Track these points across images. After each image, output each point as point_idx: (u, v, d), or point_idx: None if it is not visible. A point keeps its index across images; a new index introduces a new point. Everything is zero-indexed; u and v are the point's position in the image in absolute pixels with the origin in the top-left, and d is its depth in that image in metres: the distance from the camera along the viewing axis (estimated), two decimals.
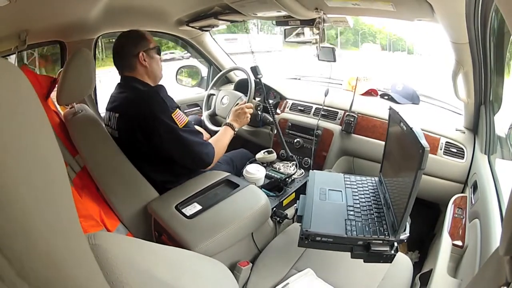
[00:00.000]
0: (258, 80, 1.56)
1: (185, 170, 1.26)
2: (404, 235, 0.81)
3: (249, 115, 1.44)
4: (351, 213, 0.91)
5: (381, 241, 0.81)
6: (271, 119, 1.67)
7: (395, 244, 0.82)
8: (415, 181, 0.71)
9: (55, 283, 0.26)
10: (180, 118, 1.14)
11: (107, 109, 1.28)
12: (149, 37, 1.23)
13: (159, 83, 1.25)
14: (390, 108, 1.00)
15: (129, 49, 1.19)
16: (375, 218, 0.89)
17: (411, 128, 0.78)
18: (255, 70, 1.54)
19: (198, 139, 1.18)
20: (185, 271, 0.62)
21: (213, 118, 1.85)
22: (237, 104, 1.64)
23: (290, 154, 1.55)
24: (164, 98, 1.13)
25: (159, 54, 1.26)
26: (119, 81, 1.26)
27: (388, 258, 0.82)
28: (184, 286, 0.57)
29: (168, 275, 0.54)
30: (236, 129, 1.38)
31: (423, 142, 0.70)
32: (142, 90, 1.17)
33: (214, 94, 1.88)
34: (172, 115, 1.12)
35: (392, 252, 0.81)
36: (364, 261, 0.84)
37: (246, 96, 1.61)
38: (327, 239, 0.84)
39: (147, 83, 1.22)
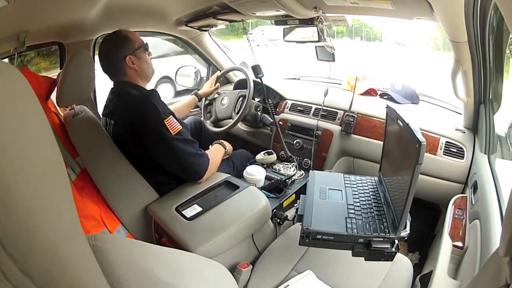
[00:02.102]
0: (259, 79, 1.56)
1: None
2: (405, 232, 0.82)
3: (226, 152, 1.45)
4: (351, 211, 0.92)
5: (381, 239, 0.82)
6: (271, 119, 1.67)
7: (396, 241, 0.82)
8: (413, 176, 0.72)
9: (59, 280, 0.27)
10: (173, 125, 1.10)
11: (102, 114, 1.28)
12: (132, 36, 1.18)
13: (152, 87, 1.22)
14: (387, 106, 1.01)
15: (114, 55, 1.15)
16: (376, 216, 0.89)
17: (407, 124, 0.79)
18: (256, 69, 1.53)
19: (191, 148, 1.14)
20: (185, 273, 0.62)
21: (217, 123, 1.77)
22: None
23: (289, 154, 1.55)
24: (156, 103, 1.09)
25: (146, 50, 1.22)
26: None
27: (389, 256, 0.82)
28: (184, 287, 0.57)
29: (169, 276, 0.54)
30: (226, 150, 1.40)
31: (420, 136, 0.71)
32: (134, 95, 1.14)
33: (211, 104, 1.81)
34: (165, 121, 1.08)
35: (393, 249, 0.81)
36: (365, 259, 0.84)
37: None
38: (328, 237, 0.84)
39: (139, 85, 1.20)
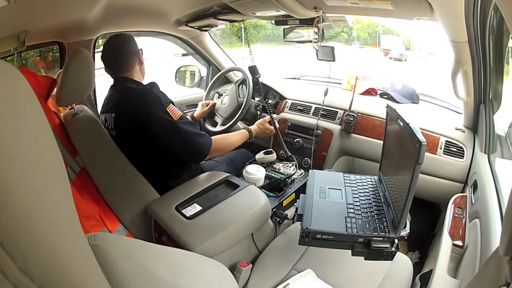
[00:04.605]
0: (256, 80, 1.56)
1: (185, 166, 1.28)
2: (405, 232, 0.82)
3: (269, 132, 1.54)
4: (351, 211, 0.92)
5: (381, 238, 0.82)
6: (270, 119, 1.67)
7: (396, 241, 0.82)
8: (413, 176, 0.72)
9: (58, 280, 0.27)
10: (175, 111, 1.16)
11: (101, 112, 1.30)
12: None
13: (152, 80, 1.27)
14: (387, 106, 1.01)
15: (129, 48, 1.23)
16: (375, 215, 0.89)
17: (407, 124, 0.79)
18: (253, 69, 1.54)
19: (194, 129, 1.20)
20: (185, 272, 0.62)
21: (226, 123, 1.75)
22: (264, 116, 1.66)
23: (290, 154, 1.55)
24: (157, 94, 1.16)
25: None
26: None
27: (389, 255, 0.82)
28: (185, 286, 0.57)
29: (169, 275, 0.54)
30: (253, 136, 1.46)
31: (420, 136, 0.71)
32: (136, 89, 1.19)
33: (213, 113, 1.82)
34: (167, 109, 1.14)
35: (393, 249, 0.81)
36: (365, 259, 0.84)
37: (245, 97, 1.61)
38: (328, 236, 0.84)
39: (139, 81, 1.25)
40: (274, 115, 1.68)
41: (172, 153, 1.20)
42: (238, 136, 1.40)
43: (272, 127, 1.55)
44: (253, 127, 1.49)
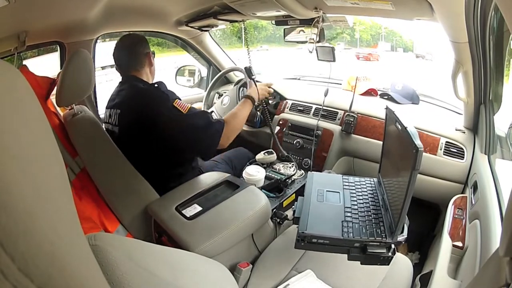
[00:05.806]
0: (252, 80, 1.55)
1: (185, 167, 1.27)
2: (402, 237, 0.81)
3: (266, 93, 1.48)
4: (349, 214, 0.91)
5: (378, 243, 0.81)
6: (269, 119, 1.66)
7: (392, 246, 0.81)
8: (410, 182, 0.71)
9: (58, 281, 0.27)
10: (182, 105, 1.15)
11: (107, 107, 1.30)
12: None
13: (158, 80, 1.28)
14: (387, 108, 1.00)
15: (141, 48, 1.25)
16: (373, 219, 0.89)
17: (405, 128, 0.78)
18: (249, 70, 1.53)
19: (204, 120, 1.17)
20: (185, 272, 0.62)
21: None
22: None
23: (286, 154, 1.55)
24: (164, 91, 1.18)
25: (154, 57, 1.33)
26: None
27: (385, 260, 0.82)
28: (185, 287, 0.57)
29: (169, 275, 0.54)
30: (255, 102, 1.38)
31: (417, 142, 0.70)
32: (143, 87, 1.20)
33: (212, 112, 1.78)
34: (174, 103, 1.14)
35: (389, 254, 0.81)
36: (361, 263, 0.83)
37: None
38: (324, 241, 0.83)
39: (147, 81, 1.26)
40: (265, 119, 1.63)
41: (183, 147, 1.18)
42: (245, 108, 1.32)
43: (268, 90, 1.49)
44: (253, 94, 1.38)
